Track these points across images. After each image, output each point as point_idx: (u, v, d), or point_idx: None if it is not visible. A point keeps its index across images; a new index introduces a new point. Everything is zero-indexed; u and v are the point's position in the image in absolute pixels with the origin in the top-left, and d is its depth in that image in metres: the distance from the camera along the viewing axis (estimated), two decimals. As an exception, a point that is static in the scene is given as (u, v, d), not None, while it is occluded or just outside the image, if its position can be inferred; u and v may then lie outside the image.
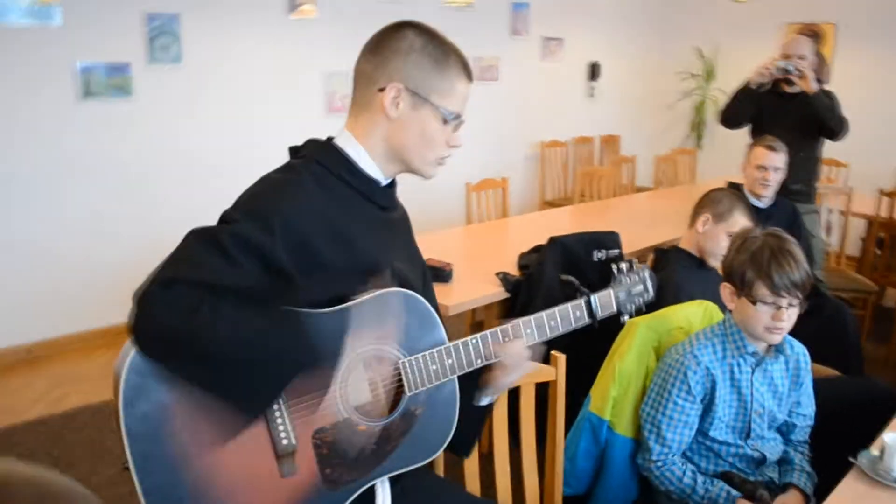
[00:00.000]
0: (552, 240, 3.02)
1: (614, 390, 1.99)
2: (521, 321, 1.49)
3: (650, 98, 7.78)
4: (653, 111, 7.80)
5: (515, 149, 6.71)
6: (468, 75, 1.43)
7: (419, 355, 1.38)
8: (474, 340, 1.43)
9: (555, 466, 1.85)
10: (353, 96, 1.43)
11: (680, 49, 7.56)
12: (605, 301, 1.60)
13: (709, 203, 2.54)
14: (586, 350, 2.11)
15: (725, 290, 1.88)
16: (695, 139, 7.38)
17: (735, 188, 3.32)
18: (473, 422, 1.57)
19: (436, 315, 1.42)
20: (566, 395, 1.90)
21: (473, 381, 1.53)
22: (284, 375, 1.24)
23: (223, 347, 1.17)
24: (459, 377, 1.46)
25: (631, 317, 1.67)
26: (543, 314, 1.52)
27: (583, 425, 2.05)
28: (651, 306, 1.79)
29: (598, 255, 3.09)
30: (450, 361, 1.41)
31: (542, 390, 1.80)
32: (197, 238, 1.23)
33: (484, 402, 1.57)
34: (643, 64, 7.74)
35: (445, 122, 1.39)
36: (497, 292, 2.98)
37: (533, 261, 3.08)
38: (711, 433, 1.88)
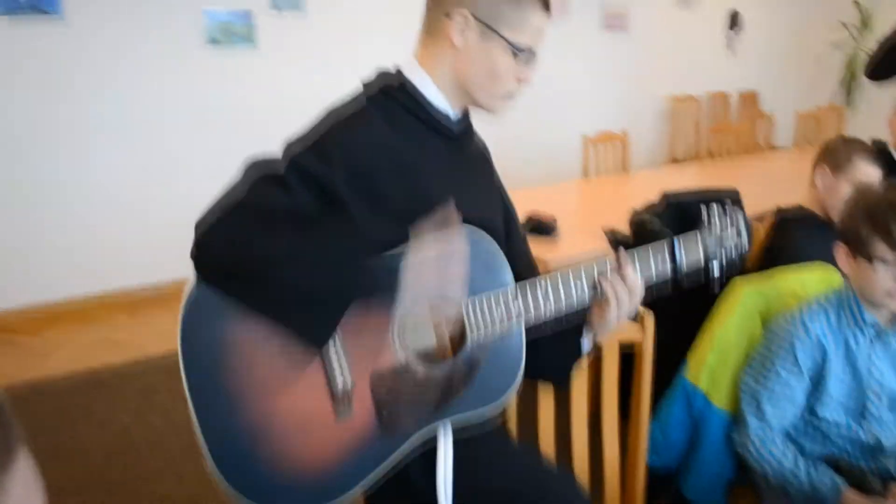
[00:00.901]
0: (664, 195, 2.83)
1: (711, 358, 1.83)
2: (596, 263, 1.34)
3: (795, 51, 7.18)
4: (798, 65, 7.19)
5: (643, 103, 6.38)
6: (545, 6, 1.30)
7: (483, 296, 1.29)
8: (542, 282, 1.31)
9: (639, 437, 1.73)
10: (423, 20, 1.34)
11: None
12: (690, 247, 1.39)
13: (824, 154, 2.28)
14: (694, 308, 1.96)
15: (840, 251, 1.67)
16: (844, 97, 6.74)
17: (880, 146, 2.98)
18: (572, 357, 1.44)
19: (503, 258, 1.32)
20: (667, 360, 1.76)
21: (578, 320, 1.39)
22: (344, 298, 1.19)
23: (285, 270, 1.15)
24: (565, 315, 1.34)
25: (721, 269, 1.44)
26: (635, 251, 1.34)
27: (676, 393, 1.90)
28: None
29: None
30: (516, 304, 1.30)
31: (629, 356, 1.68)
32: (256, 169, 1.22)
33: (585, 346, 1.43)
34: (789, 12, 7.12)
35: (515, 55, 1.28)
36: (604, 249, 2.84)
37: (643, 217, 2.90)
38: (820, 411, 1.69)
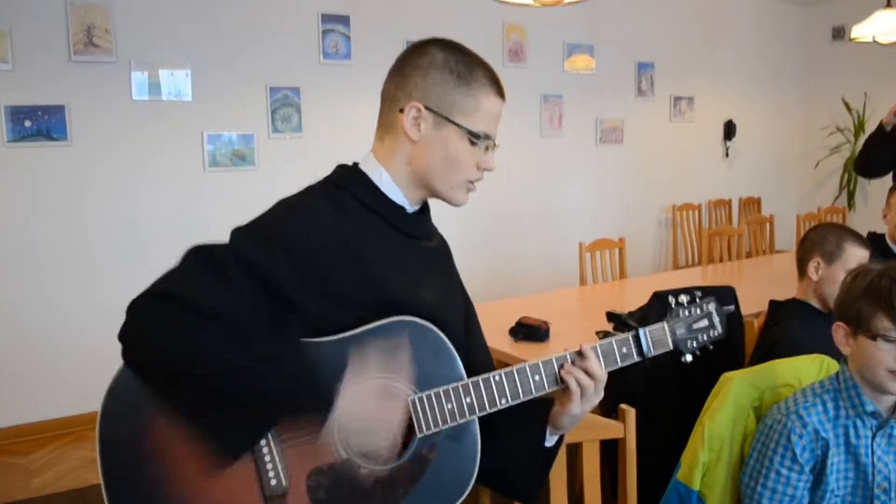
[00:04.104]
0: (656, 294, 2.76)
1: (704, 455, 1.70)
2: (555, 357, 1.28)
3: (793, 156, 7.27)
4: (797, 170, 7.27)
5: (643, 212, 6.41)
6: (498, 91, 1.29)
7: (432, 392, 1.21)
8: (497, 377, 1.24)
9: (630, 541, 1.59)
10: (378, 117, 1.33)
11: (823, 101, 7.05)
12: (657, 336, 1.35)
13: (813, 245, 2.23)
14: (693, 406, 1.85)
15: (839, 331, 1.58)
16: (846, 199, 6.76)
17: (876, 238, 2.93)
18: (537, 465, 1.36)
19: (453, 350, 1.25)
20: (664, 462, 1.65)
21: (538, 418, 1.33)
22: (271, 413, 1.11)
23: (206, 369, 1.08)
24: (523, 412, 1.29)
25: (693, 356, 1.40)
26: (588, 347, 1.30)
27: (671, 497, 1.76)
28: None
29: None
30: (468, 400, 1.22)
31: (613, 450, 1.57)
32: (195, 255, 1.18)
33: (550, 442, 1.35)
34: (783, 119, 7.27)
35: (473, 143, 1.26)
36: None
37: (635, 318, 2.81)
38: (825, 511, 1.55)
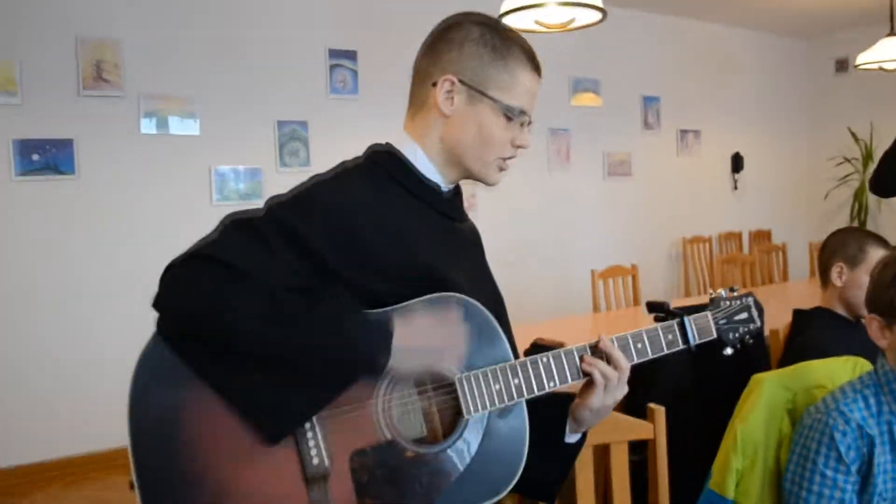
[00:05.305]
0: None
1: (737, 461, 1.61)
2: (605, 338, 1.25)
3: (802, 188, 7.24)
4: (806, 202, 7.23)
5: (653, 244, 6.36)
6: (535, 67, 1.26)
7: (479, 371, 1.16)
8: (545, 359, 1.20)
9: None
10: (410, 95, 1.30)
11: (829, 132, 7.05)
12: (701, 324, 1.32)
13: (835, 251, 2.17)
14: (716, 426, 1.77)
15: (873, 324, 1.51)
16: (858, 228, 6.70)
17: None
18: (557, 464, 1.30)
19: (500, 329, 1.20)
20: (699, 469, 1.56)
21: (559, 411, 1.28)
22: (328, 389, 1.07)
23: (254, 339, 1.04)
24: (542, 407, 1.24)
25: (735, 348, 1.36)
26: (629, 334, 1.27)
27: (703, 507, 1.67)
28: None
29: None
30: (516, 381, 1.17)
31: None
32: (233, 222, 1.13)
33: (571, 438, 1.30)
34: (790, 151, 7.27)
35: (508, 118, 1.23)
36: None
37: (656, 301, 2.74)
38: (872, 517, 1.46)
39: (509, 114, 1.22)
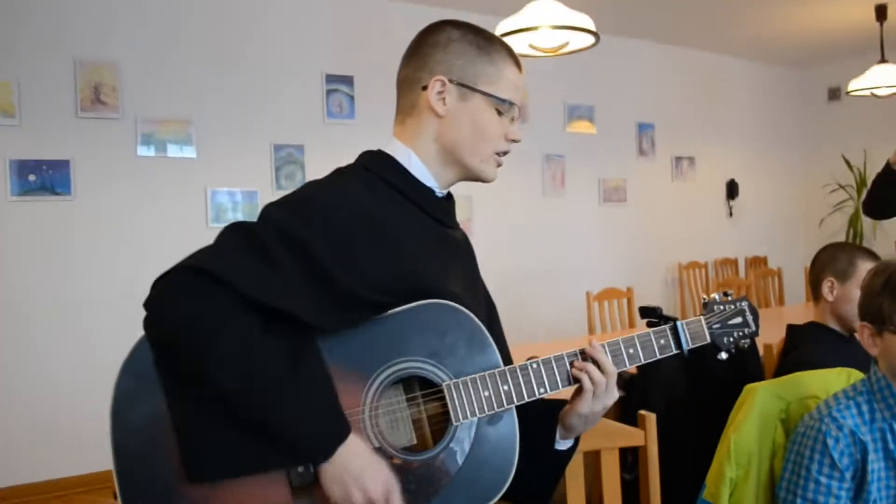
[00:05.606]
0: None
1: (731, 471, 1.60)
2: (595, 342, 1.24)
3: (797, 214, 7.28)
4: (802, 228, 7.26)
5: (649, 270, 6.36)
6: (516, 62, 1.29)
7: (468, 378, 1.15)
8: (535, 364, 1.20)
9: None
10: (397, 106, 1.31)
11: (823, 160, 7.11)
12: (694, 329, 1.32)
13: (825, 266, 2.18)
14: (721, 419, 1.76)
15: (864, 332, 1.50)
16: (853, 255, 6.71)
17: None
18: (548, 471, 1.30)
19: (489, 336, 1.20)
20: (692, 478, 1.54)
21: (549, 417, 1.28)
22: (252, 462, 1.04)
23: (212, 378, 1.01)
24: (532, 413, 1.24)
25: (730, 353, 1.35)
26: (620, 340, 1.27)
27: (697, 520, 1.65)
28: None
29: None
30: (506, 388, 1.17)
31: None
32: (234, 232, 1.11)
33: (562, 445, 1.29)
34: (785, 178, 7.32)
35: (500, 112, 1.25)
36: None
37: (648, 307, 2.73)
38: (867, 526, 1.44)
39: (500, 107, 1.25)
